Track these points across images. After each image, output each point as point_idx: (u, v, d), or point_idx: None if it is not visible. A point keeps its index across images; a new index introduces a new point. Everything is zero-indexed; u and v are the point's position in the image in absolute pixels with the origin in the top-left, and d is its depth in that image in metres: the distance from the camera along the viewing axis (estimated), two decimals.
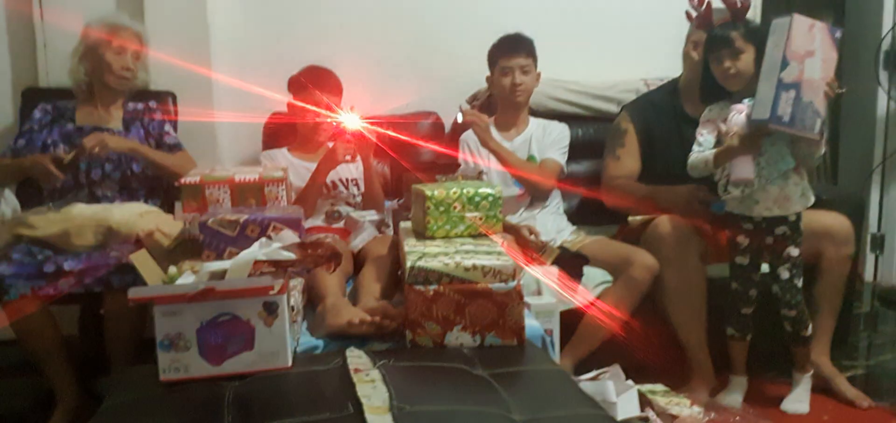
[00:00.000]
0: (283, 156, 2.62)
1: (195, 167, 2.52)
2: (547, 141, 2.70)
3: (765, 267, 2.31)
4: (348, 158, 2.42)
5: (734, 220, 2.28)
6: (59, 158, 2.36)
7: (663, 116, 2.64)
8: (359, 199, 2.64)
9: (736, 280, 2.31)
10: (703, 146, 2.29)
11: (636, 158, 2.64)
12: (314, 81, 2.59)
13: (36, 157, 2.38)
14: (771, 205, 2.21)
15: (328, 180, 2.57)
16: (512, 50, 2.64)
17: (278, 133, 2.81)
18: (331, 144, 2.49)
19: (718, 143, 2.26)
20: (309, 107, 2.59)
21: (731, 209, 2.28)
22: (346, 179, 2.61)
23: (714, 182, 2.30)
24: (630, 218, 2.51)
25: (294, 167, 2.54)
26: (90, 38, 2.49)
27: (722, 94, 2.28)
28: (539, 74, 2.70)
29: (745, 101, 2.19)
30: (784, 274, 2.23)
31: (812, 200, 2.24)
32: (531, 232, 2.46)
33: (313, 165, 2.49)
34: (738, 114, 2.20)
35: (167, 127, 2.61)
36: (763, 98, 2.08)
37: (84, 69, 2.52)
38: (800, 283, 2.24)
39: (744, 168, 2.15)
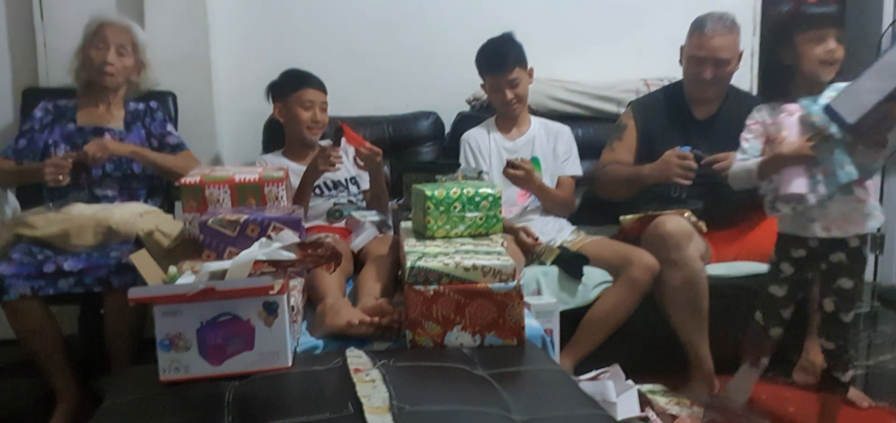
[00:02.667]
0: (278, 160, 2.62)
1: (199, 166, 2.52)
2: (557, 150, 2.68)
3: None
4: (336, 167, 2.40)
5: (784, 242, 2.00)
6: (61, 162, 2.31)
7: (667, 116, 2.64)
8: (360, 196, 2.64)
9: (763, 311, 2.05)
10: (748, 154, 2.00)
11: (631, 153, 2.65)
12: (294, 85, 2.58)
13: (43, 163, 2.34)
14: (829, 224, 1.89)
15: (329, 181, 2.57)
16: (497, 68, 2.61)
17: (279, 134, 2.81)
18: (324, 143, 2.48)
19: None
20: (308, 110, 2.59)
21: (782, 229, 2.00)
22: (346, 179, 2.61)
23: (760, 194, 2.03)
24: (622, 218, 2.52)
25: (290, 173, 2.54)
26: (84, 34, 2.51)
27: (785, 89, 1.98)
28: (531, 71, 2.68)
29: (801, 101, 1.89)
30: (828, 306, 1.93)
31: (881, 220, 1.93)
32: (528, 235, 2.46)
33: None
34: (790, 116, 1.89)
35: (169, 127, 2.61)
36: (863, 99, 1.73)
37: (78, 67, 2.52)
38: (848, 317, 1.93)
39: (794, 182, 1.84)
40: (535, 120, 2.75)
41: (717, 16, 2.53)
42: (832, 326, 1.94)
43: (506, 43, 2.63)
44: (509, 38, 2.65)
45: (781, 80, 2.00)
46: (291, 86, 2.58)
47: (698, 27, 2.54)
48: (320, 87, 2.60)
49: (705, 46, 2.50)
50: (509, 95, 2.61)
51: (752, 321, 2.10)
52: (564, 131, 2.74)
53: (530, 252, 2.46)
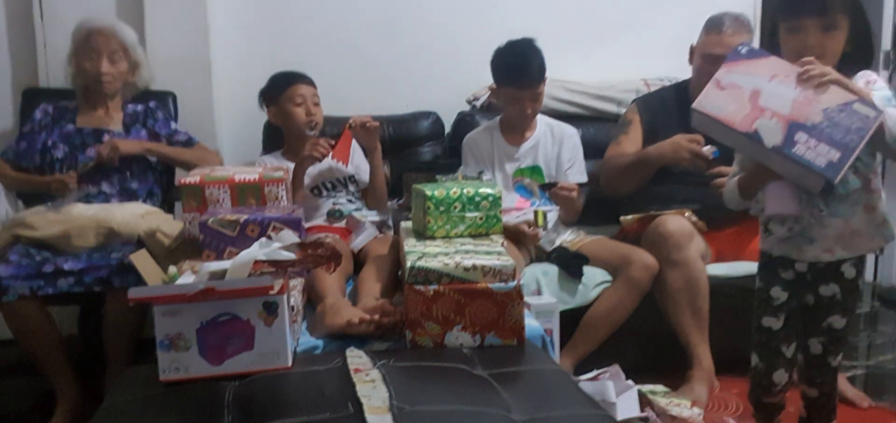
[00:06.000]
0: (277, 160, 2.62)
1: (217, 157, 2.55)
2: (562, 156, 2.61)
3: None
4: (320, 155, 2.41)
5: (771, 264, 1.68)
6: (67, 179, 2.34)
7: (672, 114, 2.63)
8: (359, 194, 2.64)
9: (760, 352, 1.71)
10: (739, 169, 1.70)
11: (637, 147, 2.62)
12: (283, 85, 2.57)
13: (50, 179, 2.37)
14: (832, 244, 1.58)
15: (328, 181, 2.57)
16: (524, 83, 2.47)
17: (279, 134, 2.81)
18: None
19: None
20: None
21: (769, 250, 1.69)
22: (345, 178, 2.61)
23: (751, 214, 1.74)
24: (622, 218, 2.51)
25: (290, 172, 2.54)
26: (73, 41, 2.50)
27: None
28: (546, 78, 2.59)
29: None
30: (815, 348, 1.66)
31: (894, 235, 1.62)
32: (529, 225, 2.44)
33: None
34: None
35: (174, 125, 2.62)
36: (843, 157, 1.44)
37: (73, 73, 2.52)
38: (835, 361, 1.66)
39: (780, 198, 1.55)
40: (541, 121, 2.67)
41: (733, 16, 2.53)
42: (818, 371, 1.66)
43: (531, 54, 2.47)
44: (533, 47, 2.48)
45: None
46: (280, 87, 2.58)
47: (715, 25, 2.53)
48: (309, 81, 2.60)
49: (724, 44, 2.47)
50: (530, 109, 2.52)
51: (751, 373, 1.76)
52: (570, 135, 2.67)
53: (533, 242, 2.44)
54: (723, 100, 1.48)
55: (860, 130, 1.42)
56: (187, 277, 1.54)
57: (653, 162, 2.51)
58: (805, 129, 1.43)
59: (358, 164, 2.64)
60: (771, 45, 1.65)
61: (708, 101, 1.51)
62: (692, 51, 2.63)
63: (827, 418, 1.72)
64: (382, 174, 2.63)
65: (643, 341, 2.37)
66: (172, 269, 1.60)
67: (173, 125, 2.62)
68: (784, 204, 1.56)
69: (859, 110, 1.43)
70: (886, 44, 3.63)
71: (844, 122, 1.42)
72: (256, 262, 1.51)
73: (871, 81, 1.57)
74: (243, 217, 1.73)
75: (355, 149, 2.62)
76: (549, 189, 2.47)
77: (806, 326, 1.66)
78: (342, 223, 2.48)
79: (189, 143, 2.59)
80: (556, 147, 2.64)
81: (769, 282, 1.67)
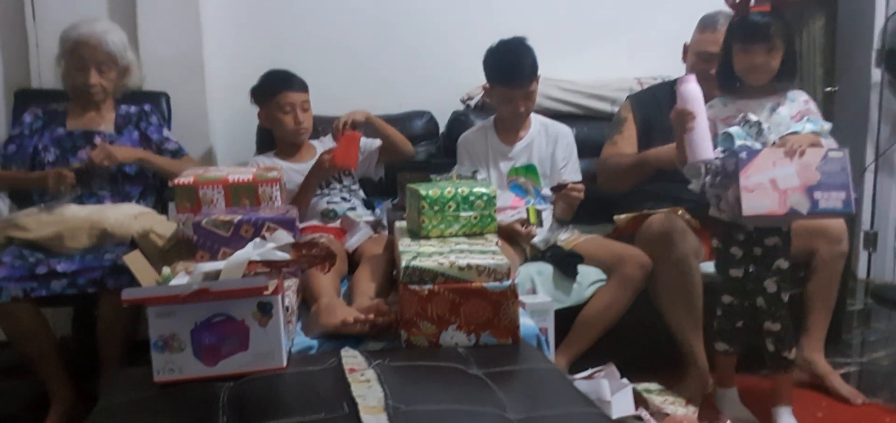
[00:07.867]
0: (270, 160, 2.61)
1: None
2: (556, 155, 2.63)
3: None
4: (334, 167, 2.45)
5: (726, 228, 2.11)
6: (65, 173, 2.31)
7: (665, 111, 2.63)
8: (355, 186, 2.65)
9: (732, 294, 2.15)
10: None
11: (632, 145, 2.63)
12: (273, 89, 2.57)
13: (47, 172, 2.34)
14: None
15: (320, 179, 2.56)
16: (515, 82, 2.49)
17: (272, 134, 2.81)
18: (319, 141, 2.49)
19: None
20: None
21: (721, 217, 2.11)
22: (338, 173, 2.61)
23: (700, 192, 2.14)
24: (616, 216, 2.52)
25: (283, 171, 2.53)
26: (60, 48, 2.46)
27: (734, 85, 2.12)
28: (539, 76, 2.60)
29: (734, 130, 2.00)
30: (771, 287, 2.07)
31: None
32: (523, 224, 2.44)
33: (299, 168, 2.49)
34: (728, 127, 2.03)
35: (166, 133, 2.60)
36: (848, 194, 1.92)
37: (62, 75, 2.49)
38: (786, 297, 2.08)
39: (700, 145, 1.99)
40: (535, 120, 2.68)
41: (726, 14, 2.53)
42: (776, 306, 2.07)
43: (523, 53, 2.48)
44: (525, 46, 2.50)
45: (732, 76, 2.11)
46: (270, 90, 2.57)
47: (710, 24, 2.53)
48: (300, 87, 2.59)
49: (718, 42, 2.47)
50: (522, 108, 2.54)
51: (724, 310, 2.16)
52: (564, 134, 2.68)
53: (527, 240, 2.44)
54: (759, 199, 1.89)
55: (844, 170, 1.90)
56: (181, 278, 1.54)
57: (651, 166, 2.52)
58: (816, 188, 1.89)
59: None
60: (728, 61, 2.10)
61: (751, 205, 1.90)
62: (686, 49, 2.64)
63: (790, 346, 2.11)
64: (390, 128, 2.64)
65: (637, 339, 2.37)
66: (166, 270, 1.60)
67: (165, 132, 2.59)
68: (702, 150, 1.98)
69: (833, 156, 1.90)
70: (877, 42, 3.65)
71: (831, 169, 1.89)
72: (251, 262, 1.51)
73: (808, 101, 2.08)
74: (237, 218, 1.73)
75: None
76: (560, 191, 2.48)
77: (759, 272, 2.08)
78: (336, 223, 2.48)
79: (178, 153, 2.56)
80: (550, 146, 2.64)
81: (727, 243, 2.12)
